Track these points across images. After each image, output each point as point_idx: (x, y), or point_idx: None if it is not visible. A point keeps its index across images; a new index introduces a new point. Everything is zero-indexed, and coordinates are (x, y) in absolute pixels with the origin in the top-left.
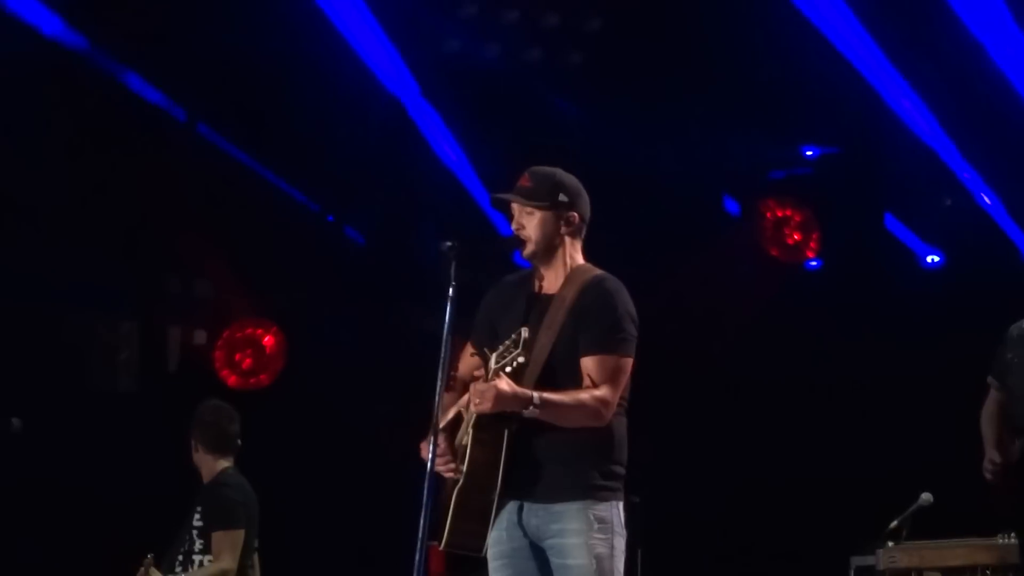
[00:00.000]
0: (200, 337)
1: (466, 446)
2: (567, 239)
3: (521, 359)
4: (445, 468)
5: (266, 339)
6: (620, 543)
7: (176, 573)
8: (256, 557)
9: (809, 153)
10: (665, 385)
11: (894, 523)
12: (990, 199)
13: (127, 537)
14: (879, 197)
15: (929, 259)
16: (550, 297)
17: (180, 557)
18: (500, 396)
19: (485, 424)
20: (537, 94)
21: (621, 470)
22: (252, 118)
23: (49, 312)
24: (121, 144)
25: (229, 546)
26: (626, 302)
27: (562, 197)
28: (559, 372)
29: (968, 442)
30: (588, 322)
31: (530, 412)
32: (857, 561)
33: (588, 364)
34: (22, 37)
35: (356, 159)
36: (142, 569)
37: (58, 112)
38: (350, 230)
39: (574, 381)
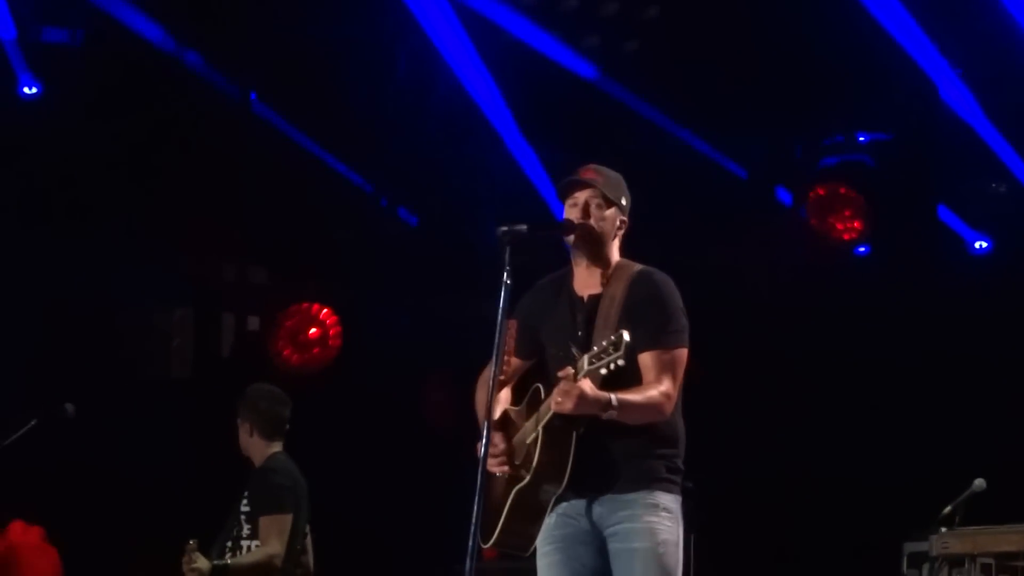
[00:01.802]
0: (254, 323)
1: (528, 445)
2: (615, 241)
3: (621, 362)
4: (499, 467)
5: (320, 324)
6: (682, 534)
7: (224, 559)
8: (309, 542)
9: (861, 139)
10: (717, 373)
11: (947, 509)
12: None
13: (181, 522)
14: (929, 183)
15: (977, 245)
16: (597, 296)
17: (229, 543)
18: (583, 398)
19: (555, 427)
20: (595, 81)
21: (682, 464)
22: (309, 97)
23: (104, 300)
24: (175, 126)
25: (276, 531)
26: (675, 294)
27: (623, 201)
28: (620, 370)
29: (1020, 427)
30: (642, 318)
31: (608, 414)
32: (910, 547)
33: (647, 360)
34: (70, 9)
35: (412, 140)
36: (186, 556)
37: (111, 96)
38: (404, 212)
39: (634, 378)
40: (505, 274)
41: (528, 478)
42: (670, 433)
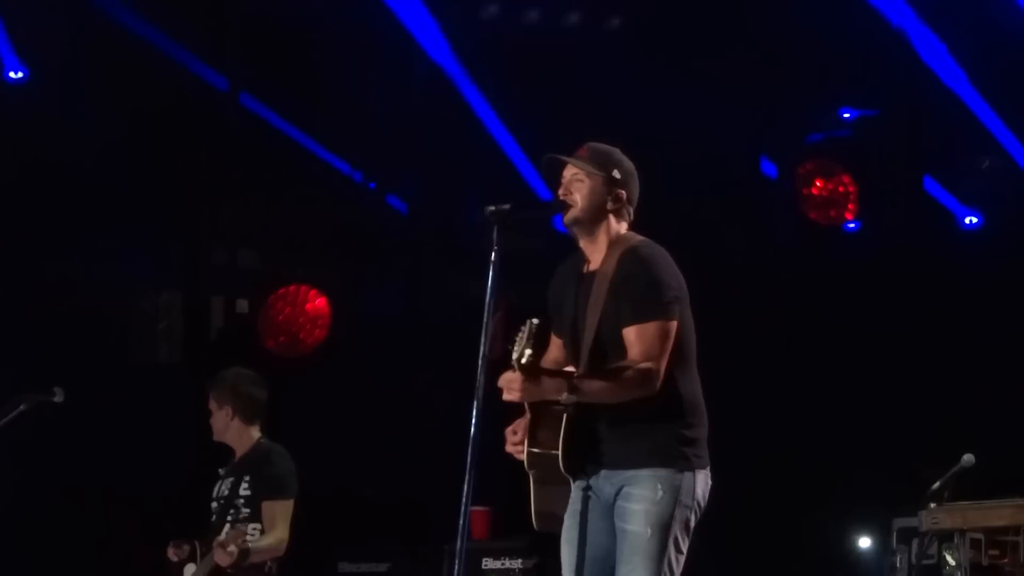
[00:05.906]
0: (243, 306)
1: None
2: (611, 216)
3: (529, 351)
4: (516, 452)
5: (309, 307)
6: (684, 514)
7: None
8: None
9: (847, 116)
10: (706, 344)
11: (936, 485)
12: None
13: (175, 507)
14: (917, 159)
15: (967, 220)
16: (594, 274)
17: (227, 526)
18: (526, 388)
19: (541, 406)
20: (576, 59)
21: (697, 434)
22: (293, 87)
23: (92, 283)
24: (164, 115)
25: (282, 516)
26: (661, 265)
27: (616, 173)
28: (608, 347)
29: (1009, 402)
30: (625, 293)
31: (566, 399)
32: (900, 523)
33: (629, 336)
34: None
35: (397, 127)
36: (220, 540)
37: (100, 85)
38: (392, 199)
39: (623, 355)
40: (493, 254)
41: (536, 463)
42: (675, 401)
